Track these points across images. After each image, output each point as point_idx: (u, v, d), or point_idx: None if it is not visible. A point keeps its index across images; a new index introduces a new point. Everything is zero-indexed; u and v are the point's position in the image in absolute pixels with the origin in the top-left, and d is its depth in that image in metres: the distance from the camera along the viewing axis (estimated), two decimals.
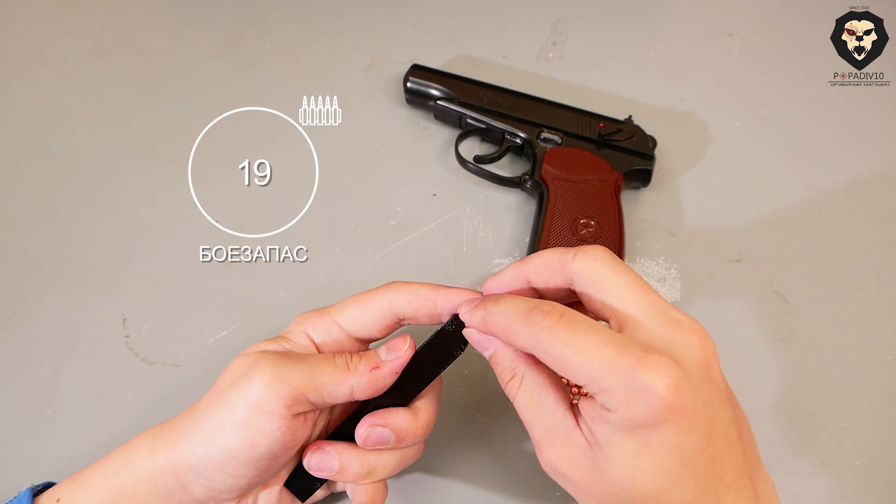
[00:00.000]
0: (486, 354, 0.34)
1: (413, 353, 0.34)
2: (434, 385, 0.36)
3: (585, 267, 0.31)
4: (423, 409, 0.36)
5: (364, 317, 0.36)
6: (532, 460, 0.42)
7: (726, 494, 0.28)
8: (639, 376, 0.27)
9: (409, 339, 0.35)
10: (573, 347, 0.29)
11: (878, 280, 0.50)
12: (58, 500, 0.33)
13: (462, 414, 0.44)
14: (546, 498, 0.41)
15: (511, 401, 0.33)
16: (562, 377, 0.31)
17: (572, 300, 0.34)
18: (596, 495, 0.30)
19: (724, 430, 0.29)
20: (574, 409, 0.31)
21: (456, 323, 0.35)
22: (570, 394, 0.32)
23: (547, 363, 0.30)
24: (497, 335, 0.32)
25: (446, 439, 0.43)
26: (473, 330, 0.34)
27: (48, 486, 0.35)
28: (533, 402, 0.31)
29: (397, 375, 0.34)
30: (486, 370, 0.45)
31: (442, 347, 0.35)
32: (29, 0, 0.66)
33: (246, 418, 0.31)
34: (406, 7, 0.66)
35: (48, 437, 0.43)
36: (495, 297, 0.33)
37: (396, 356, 0.34)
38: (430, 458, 0.42)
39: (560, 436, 0.30)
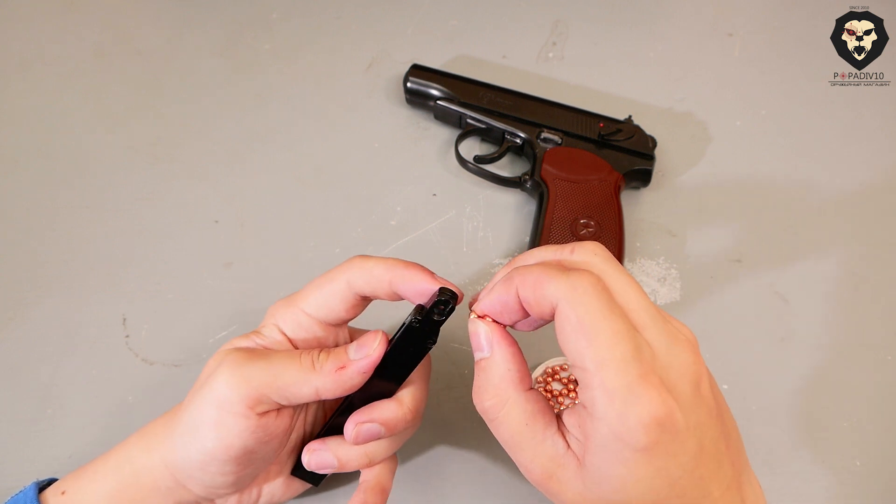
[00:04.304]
0: (478, 356, 0.31)
1: (384, 350, 0.32)
2: (421, 366, 0.35)
3: (585, 263, 0.30)
4: (408, 395, 0.34)
5: (327, 301, 0.33)
6: None
7: None
8: (640, 391, 0.26)
9: (380, 335, 0.32)
10: (606, 320, 0.26)
11: (878, 280, 0.50)
12: (63, 493, 0.33)
13: (462, 414, 0.44)
14: (547, 498, 0.41)
15: (487, 423, 0.30)
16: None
17: None
18: None
19: (713, 447, 0.28)
20: (562, 429, 0.30)
21: (421, 317, 0.31)
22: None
23: (561, 325, 0.27)
24: (524, 288, 0.29)
25: (447, 439, 0.43)
26: (482, 326, 0.31)
27: (52, 482, 0.35)
28: (518, 430, 0.29)
29: (367, 375, 0.32)
30: None
31: (413, 342, 0.32)
32: (29, 0, 0.66)
33: (215, 419, 0.31)
34: (406, 7, 0.66)
35: (48, 437, 0.43)
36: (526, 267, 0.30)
37: (366, 354, 0.32)
38: (431, 457, 0.42)
39: (551, 460, 0.29)
